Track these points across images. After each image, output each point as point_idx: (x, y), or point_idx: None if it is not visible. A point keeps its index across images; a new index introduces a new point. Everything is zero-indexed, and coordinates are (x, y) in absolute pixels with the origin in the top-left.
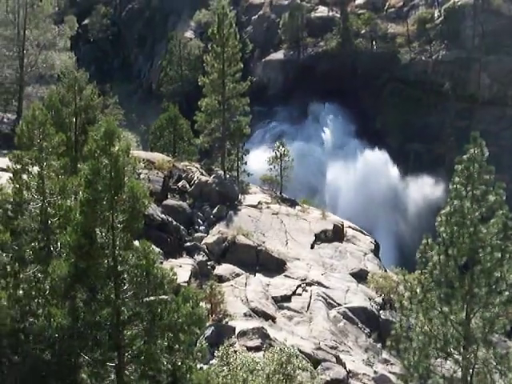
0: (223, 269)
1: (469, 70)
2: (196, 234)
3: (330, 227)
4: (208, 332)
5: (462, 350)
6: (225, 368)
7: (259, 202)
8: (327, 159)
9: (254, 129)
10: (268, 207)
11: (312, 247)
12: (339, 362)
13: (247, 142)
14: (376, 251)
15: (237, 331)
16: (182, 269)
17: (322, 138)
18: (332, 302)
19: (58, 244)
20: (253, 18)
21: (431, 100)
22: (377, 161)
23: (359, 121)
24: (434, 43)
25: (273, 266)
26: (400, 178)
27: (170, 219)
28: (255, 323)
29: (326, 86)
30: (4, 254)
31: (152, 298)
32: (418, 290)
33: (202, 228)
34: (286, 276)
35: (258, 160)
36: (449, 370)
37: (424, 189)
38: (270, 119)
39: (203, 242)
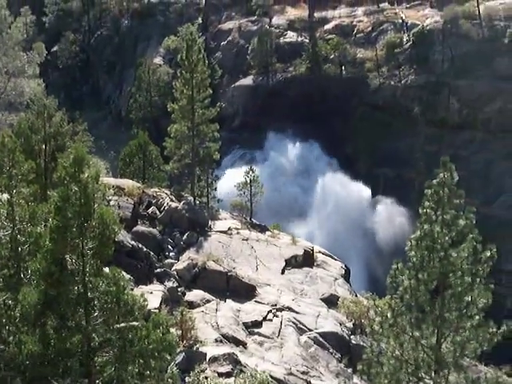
0: (194, 295)
1: (438, 94)
2: (166, 261)
3: (301, 252)
4: (179, 358)
5: (433, 374)
6: None
7: (229, 228)
8: (297, 184)
9: (223, 155)
10: (238, 233)
11: (282, 272)
12: None
13: (217, 168)
14: (346, 276)
15: (208, 357)
16: (152, 295)
17: (292, 164)
18: (303, 327)
19: (29, 271)
20: (222, 43)
21: (401, 124)
22: (347, 184)
23: (329, 145)
24: (403, 68)
25: (243, 291)
26: (370, 202)
27: (140, 245)
28: (226, 349)
29: (296, 111)
30: None
31: (122, 324)
32: (388, 315)
33: (172, 254)
34: (256, 302)
35: (227, 185)
36: None
37: (394, 213)
38: (239, 145)
39: (173, 268)
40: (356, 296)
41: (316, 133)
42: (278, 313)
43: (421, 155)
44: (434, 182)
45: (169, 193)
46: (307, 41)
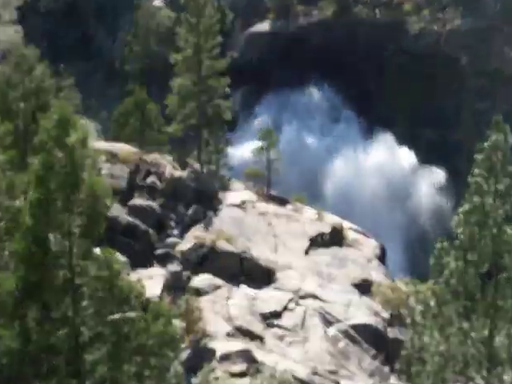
0: (201, 280)
1: (490, 40)
2: (168, 240)
3: (328, 229)
4: (184, 355)
5: (484, 372)
6: None
7: (243, 201)
8: (323, 149)
9: (236, 116)
10: (253, 207)
11: (306, 253)
12: None
13: (229, 133)
14: (382, 257)
15: (218, 354)
16: (152, 281)
17: (317, 126)
18: (330, 318)
19: (5, 253)
20: None
21: (445, 77)
22: (384, 148)
23: (360, 103)
24: (448, 10)
25: (260, 276)
26: (410, 170)
27: (137, 222)
28: (240, 344)
29: (321, 63)
30: None
31: (117, 315)
32: (432, 303)
33: (175, 232)
34: (275, 288)
35: (241, 152)
36: None
37: (438, 183)
38: (255, 105)
39: (177, 248)
40: (393, 281)
41: (345, 88)
42: (300, 301)
43: (469, 114)
44: (486, 145)
45: (171, 159)
46: None
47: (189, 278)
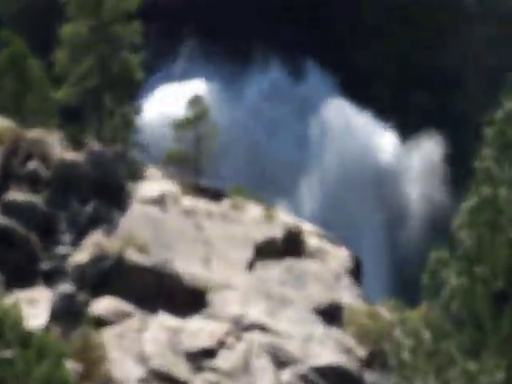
0: (104, 305)
1: None
2: (58, 249)
3: (281, 234)
4: None
5: None
6: None
7: (162, 195)
8: (278, 122)
9: (152, 73)
10: (176, 203)
11: (250, 267)
12: None
13: (141, 95)
14: (357, 273)
15: None
16: (34, 306)
17: (272, 87)
18: (284, 357)
19: None
20: None
21: (445, 22)
22: (358, 123)
23: (333, 58)
24: None
25: (186, 299)
26: (396, 150)
27: (13, 225)
28: None
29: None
30: None
31: None
32: (426, 336)
33: (67, 238)
34: (207, 316)
35: (159, 121)
36: None
37: (434, 168)
38: (183, 57)
39: (70, 261)
40: (372, 306)
41: (311, 39)
42: (243, 334)
43: (477, 72)
44: (499, 115)
45: (61, 137)
46: None
47: (86, 303)
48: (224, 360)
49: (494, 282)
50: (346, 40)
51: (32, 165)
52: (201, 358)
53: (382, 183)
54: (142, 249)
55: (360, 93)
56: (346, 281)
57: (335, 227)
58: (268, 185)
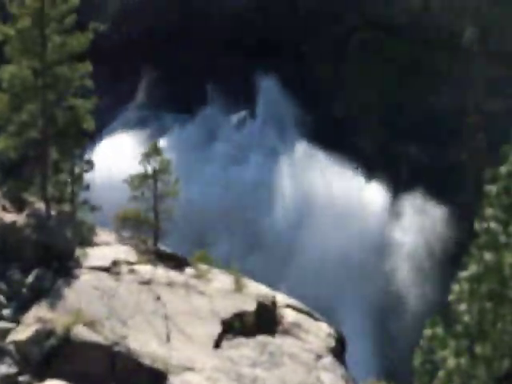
0: None
1: (508, 5)
2: None
3: (252, 307)
4: None
5: None
6: None
7: (115, 262)
8: (244, 176)
9: (105, 120)
10: (132, 271)
11: (217, 346)
12: None
13: (90, 148)
14: (340, 352)
15: None
16: None
17: (235, 139)
18: None
19: None
20: None
21: (440, 63)
22: (342, 180)
23: (306, 105)
24: None
25: (143, 382)
26: (385, 208)
27: None
28: None
29: (238, 42)
30: None
31: None
32: None
33: (6, 312)
34: None
35: (111, 176)
36: None
37: (428, 229)
38: (133, 102)
39: (9, 338)
40: None
41: (283, 81)
42: None
43: (478, 119)
44: (503, 169)
45: None
46: None
47: None
48: None
49: (497, 363)
50: (322, 82)
51: None
52: None
53: (369, 248)
54: (93, 324)
55: (340, 144)
56: (327, 361)
57: (315, 300)
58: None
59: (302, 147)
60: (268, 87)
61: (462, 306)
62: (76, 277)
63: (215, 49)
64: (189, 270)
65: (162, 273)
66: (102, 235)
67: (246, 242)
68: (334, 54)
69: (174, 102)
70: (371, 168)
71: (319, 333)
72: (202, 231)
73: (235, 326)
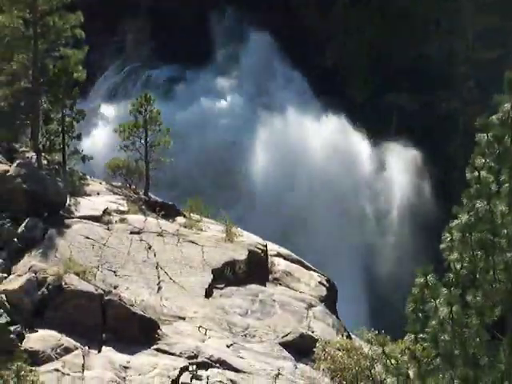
0: (40, 338)
1: None
2: None
3: (243, 256)
4: None
5: None
6: None
7: (106, 211)
8: (233, 126)
9: (97, 73)
10: (123, 220)
11: (208, 295)
12: None
13: (82, 98)
14: (331, 300)
15: None
16: None
17: (227, 90)
18: None
19: None
20: None
21: (428, 11)
22: (331, 130)
23: (296, 55)
24: None
25: (134, 331)
26: (371, 158)
27: None
28: None
29: None
30: None
31: None
32: (411, 373)
33: None
34: (159, 351)
35: (103, 133)
36: None
37: (417, 181)
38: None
39: (0, 288)
40: (349, 337)
41: (274, 31)
42: (201, 372)
43: (468, 68)
44: (494, 118)
45: None
46: None
47: (20, 336)
48: None
49: (489, 311)
50: (312, 29)
51: None
52: None
53: (356, 198)
54: (84, 274)
55: (331, 92)
56: (318, 309)
57: (306, 249)
58: (226, 196)
59: (291, 98)
60: (258, 39)
61: (454, 255)
62: (67, 226)
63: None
64: (180, 219)
65: (152, 222)
66: (93, 185)
67: (232, 191)
68: (324, 4)
69: (163, 53)
70: (361, 116)
71: (310, 282)
72: (192, 181)
73: (226, 275)
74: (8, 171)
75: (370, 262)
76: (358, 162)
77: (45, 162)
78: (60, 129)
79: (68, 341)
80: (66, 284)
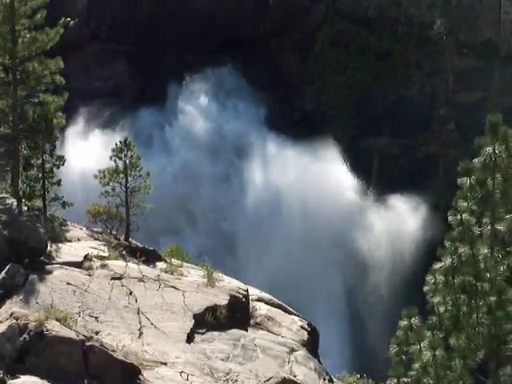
0: None
1: None
2: None
3: (224, 301)
4: None
5: None
6: None
7: (87, 257)
8: (216, 171)
9: (74, 115)
10: (104, 266)
11: (190, 340)
12: None
13: (61, 143)
14: (313, 344)
15: None
16: None
17: (206, 133)
18: None
19: None
20: None
21: (411, 54)
22: (310, 168)
23: (276, 98)
24: None
25: (116, 377)
26: (356, 202)
27: None
28: None
29: (210, 34)
30: None
31: None
32: None
33: None
34: None
35: (82, 171)
36: None
37: (402, 221)
38: (102, 98)
39: None
40: (331, 381)
41: (250, 75)
42: None
43: (448, 111)
44: (476, 161)
45: None
46: None
47: (2, 383)
48: None
49: (472, 355)
50: (291, 73)
51: None
52: None
53: (342, 240)
54: (65, 320)
55: (312, 136)
56: (300, 354)
57: (287, 292)
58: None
59: (272, 141)
60: (235, 83)
61: (437, 298)
62: (48, 272)
63: (184, 46)
64: (161, 265)
65: (134, 267)
66: (74, 230)
67: (216, 234)
68: (303, 47)
69: (145, 96)
70: (343, 159)
71: (292, 326)
72: (172, 223)
73: (208, 320)
74: None
75: (352, 303)
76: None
77: (25, 208)
78: (40, 175)
79: None
80: (47, 330)
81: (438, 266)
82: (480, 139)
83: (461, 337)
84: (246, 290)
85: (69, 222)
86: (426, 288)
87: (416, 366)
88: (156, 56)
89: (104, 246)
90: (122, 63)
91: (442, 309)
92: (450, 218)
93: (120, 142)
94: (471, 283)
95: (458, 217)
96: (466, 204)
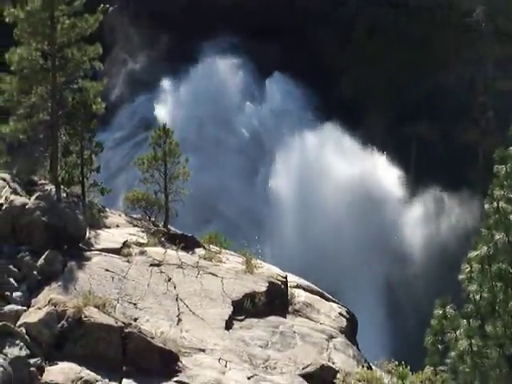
0: (60, 371)
1: None
2: (6, 308)
3: (263, 288)
4: None
5: None
6: None
7: (126, 244)
8: (252, 156)
9: (116, 106)
10: (143, 252)
11: (228, 327)
12: None
13: (102, 130)
14: (351, 332)
15: None
16: None
17: (251, 122)
18: None
19: None
20: None
21: (449, 41)
22: (350, 156)
23: (312, 86)
24: None
25: (155, 363)
26: (396, 190)
27: None
28: None
29: (247, 22)
30: None
31: None
32: None
33: (17, 295)
34: (180, 383)
35: (123, 161)
36: None
37: (440, 210)
38: (148, 87)
39: (20, 321)
40: (369, 368)
41: (289, 64)
42: None
43: (487, 98)
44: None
45: (8, 178)
46: None
47: (40, 370)
48: None
49: (509, 342)
50: (328, 61)
51: None
52: None
53: (383, 228)
54: (104, 306)
55: (349, 121)
56: (339, 341)
57: (326, 279)
58: (247, 228)
59: (310, 129)
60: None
61: (473, 286)
62: (87, 259)
63: (221, 32)
64: (199, 251)
65: (172, 254)
66: (113, 217)
67: (254, 224)
68: (341, 35)
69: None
70: (382, 147)
71: (330, 313)
72: (212, 213)
73: (246, 307)
74: (27, 204)
75: (391, 292)
76: (386, 194)
77: (64, 194)
78: (79, 161)
79: (88, 374)
80: (85, 317)
81: (473, 254)
82: None
83: (497, 324)
84: (285, 277)
85: (107, 209)
86: (461, 276)
87: (452, 354)
88: (193, 42)
89: (143, 232)
90: (160, 48)
91: (477, 297)
92: (486, 206)
93: (159, 128)
94: (507, 270)
95: (495, 205)
96: (502, 192)
